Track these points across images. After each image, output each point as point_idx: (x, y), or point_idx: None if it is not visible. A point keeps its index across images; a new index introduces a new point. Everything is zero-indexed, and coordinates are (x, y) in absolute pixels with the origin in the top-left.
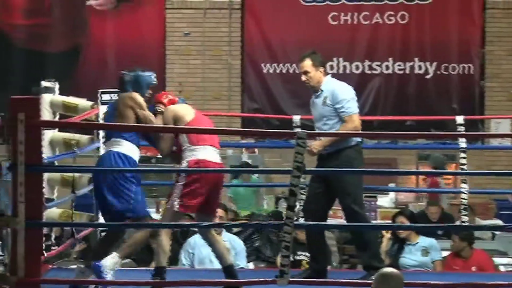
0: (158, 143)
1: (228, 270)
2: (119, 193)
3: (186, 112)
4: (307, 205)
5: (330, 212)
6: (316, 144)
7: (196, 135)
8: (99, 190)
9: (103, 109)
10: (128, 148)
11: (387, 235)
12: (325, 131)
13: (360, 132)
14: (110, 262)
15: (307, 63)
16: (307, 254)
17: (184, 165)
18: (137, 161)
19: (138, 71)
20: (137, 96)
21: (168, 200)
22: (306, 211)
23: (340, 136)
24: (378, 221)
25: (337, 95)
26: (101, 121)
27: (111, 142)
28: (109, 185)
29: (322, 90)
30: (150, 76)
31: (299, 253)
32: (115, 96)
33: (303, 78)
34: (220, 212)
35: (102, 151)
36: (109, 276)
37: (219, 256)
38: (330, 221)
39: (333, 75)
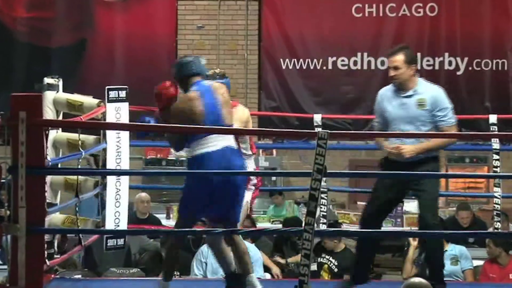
0: None
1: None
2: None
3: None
4: (371, 212)
5: (354, 219)
6: (410, 148)
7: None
8: (236, 194)
9: (110, 107)
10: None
11: (414, 243)
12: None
13: (383, 132)
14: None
15: (399, 58)
16: (331, 259)
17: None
18: None
19: None
20: None
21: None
22: (368, 218)
23: (360, 137)
24: (405, 228)
25: (441, 101)
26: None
27: (223, 137)
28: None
29: (415, 91)
30: None
31: (323, 255)
32: (122, 93)
33: (391, 73)
34: None
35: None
36: None
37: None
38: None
39: (357, 71)
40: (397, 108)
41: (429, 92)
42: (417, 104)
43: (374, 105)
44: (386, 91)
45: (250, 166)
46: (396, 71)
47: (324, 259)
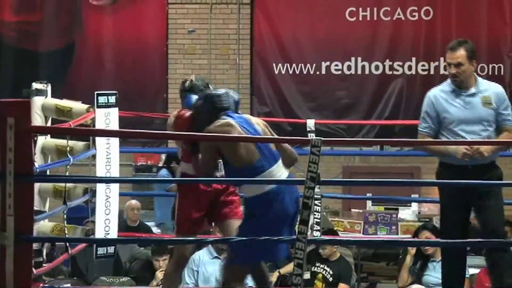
0: None
1: None
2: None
3: None
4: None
5: (348, 226)
6: (488, 149)
7: None
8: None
9: (99, 113)
10: None
11: (412, 251)
12: (485, 138)
13: (380, 139)
14: None
15: (462, 53)
16: (325, 268)
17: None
18: None
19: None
20: None
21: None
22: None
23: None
24: (400, 236)
25: (505, 98)
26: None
27: (281, 166)
28: None
29: (478, 89)
30: None
31: (317, 264)
32: (112, 99)
33: (453, 70)
34: None
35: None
36: None
37: None
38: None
39: (351, 76)
40: (462, 108)
41: (492, 89)
42: (483, 103)
43: (423, 108)
44: (440, 91)
45: None
46: (458, 68)
47: (319, 268)
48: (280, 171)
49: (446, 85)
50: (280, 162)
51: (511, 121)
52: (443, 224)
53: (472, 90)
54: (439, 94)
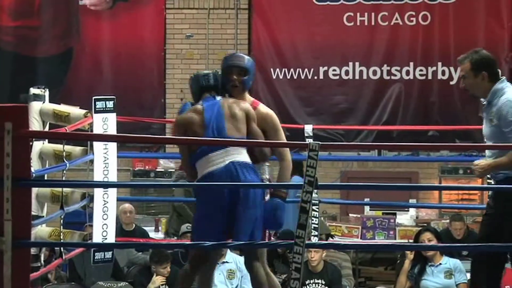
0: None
1: None
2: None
3: None
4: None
5: (346, 231)
6: (482, 164)
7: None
8: (251, 213)
9: (97, 118)
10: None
11: (410, 256)
12: (490, 157)
13: (378, 144)
14: None
15: (465, 66)
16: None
17: (267, 177)
18: None
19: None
20: None
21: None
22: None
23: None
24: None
25: (506, 113)
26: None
27: (227, 152)
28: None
29: (490, 102)
30: None
31: (307, 281)
32: (109, 104)
33: (461, 84)
34: None
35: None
36: None
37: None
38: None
39: (349, 81)
40: (483, 122)
41: (498, 103)
42: (489, 119)
43: None
44: None
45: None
46: (464, 81)
47: (310, 284)
48: (224, 157)
49: None
50: (229, 149)
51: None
52: None
53: (485, 103)
54: None
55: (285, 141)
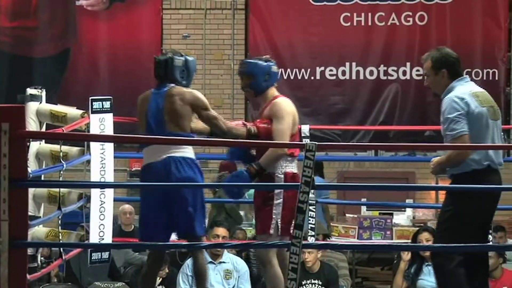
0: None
1: None
2: (201, 212)
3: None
4: None
5: (342, 231)
6: (433, 161)
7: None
8: (181, 209)
9: (93, 118)
10: (191, 152)
11: (405, 257)
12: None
13: (375, 144)
14: None
15: (426, 65)
16: (313, 281)
17: (280, 176)
18: None
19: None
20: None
21: (263, 224)
22: None
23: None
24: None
25: (444, 111)
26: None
27: (168, 147)
28: (191, 203)
29: (441, 100)
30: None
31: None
32: (106, 104)
33: (425, 82)
34: (223, 231)
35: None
36: None
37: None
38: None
39: (345, 81)
40: None
41: (444, 101)
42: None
43: None
44: None
45: (293, 169)
46: (427, 79)
47: (307, 285)
48: (163, 151)
49: None
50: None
51: (448, 135)
52: None
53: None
54: None
55: (283, 129)
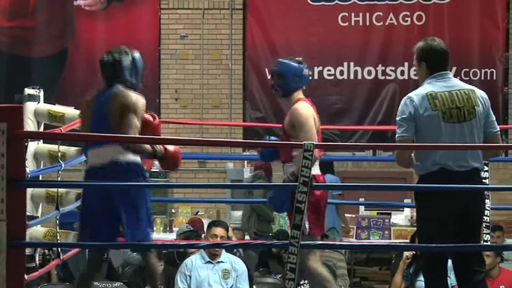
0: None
1: None
2: (140, 215)
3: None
4: None
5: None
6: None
7: None
8: (115, 211)
9: None
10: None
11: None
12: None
13: (373, 144)
14: None
15: (414, 56)
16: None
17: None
18: None
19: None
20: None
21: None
22: None
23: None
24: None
25: (398, 110)
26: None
27: (112, 149)
28: (131, 206)
29: None
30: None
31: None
32: None
33: None
34: (221, 231)
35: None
36: None
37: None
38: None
39: (344, 81)
40: None
41: None
42: None
43: None
44: None
45: (314, 171)
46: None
47: (305, 285)
48: (101, 155)
49: None
50: (108, 146)
51: (397, 135)
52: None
53: None
54: None
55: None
